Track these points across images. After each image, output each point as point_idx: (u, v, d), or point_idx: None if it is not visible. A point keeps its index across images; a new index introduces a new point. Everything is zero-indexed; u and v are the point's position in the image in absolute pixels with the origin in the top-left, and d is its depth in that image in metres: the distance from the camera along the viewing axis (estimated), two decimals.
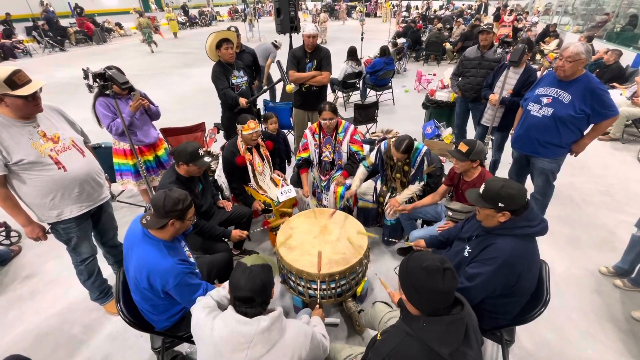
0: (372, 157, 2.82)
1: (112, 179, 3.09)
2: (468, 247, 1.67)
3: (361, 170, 2.85)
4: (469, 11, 17.40)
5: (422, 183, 2.63)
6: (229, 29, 3.94)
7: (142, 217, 1.61)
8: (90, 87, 2.22)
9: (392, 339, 1.15)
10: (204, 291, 1.67)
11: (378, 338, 1.27)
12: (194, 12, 21.16)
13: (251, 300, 1.20)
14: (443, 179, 2.59)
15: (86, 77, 2.15)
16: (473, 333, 1.11)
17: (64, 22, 14.66)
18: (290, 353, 1.21)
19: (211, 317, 1.26)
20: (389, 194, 2.78)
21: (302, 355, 1.24)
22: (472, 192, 1.64)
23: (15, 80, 1.62)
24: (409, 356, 1.08)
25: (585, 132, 2.55)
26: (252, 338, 1.16)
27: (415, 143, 2.58)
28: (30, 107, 1.73)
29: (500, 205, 1.48)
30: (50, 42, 13.04)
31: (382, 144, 2.76)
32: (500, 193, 1.48)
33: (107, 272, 2.47)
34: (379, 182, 2.88)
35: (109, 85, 2.22)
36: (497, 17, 13.42)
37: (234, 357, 1.16)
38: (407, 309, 1.17)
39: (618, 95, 5.01)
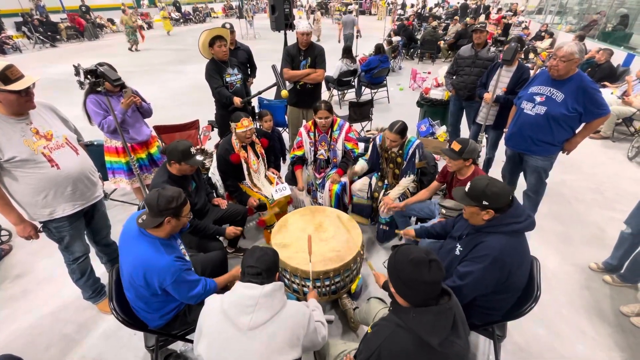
0: (368, 153, 2.84)
1: (104, 177, 3.05)
2: (459, 246, 1.69)
3: (360, 162, 2.92)
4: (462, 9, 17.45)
5: (413, 177, 2.66)
6: (223, 25, 3.90)
7: (138, 217, 1.61)
8: (81, 83, 2.18)
9: (383, 330, 1.18)
10: (202, 287, 1.67)
11: (369, 331, 1.29)
12: (187, 8, 20.92)
13: (258, 273, 1.31)
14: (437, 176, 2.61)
15: (77, 73, 2.12)
16: (460, 323, 1.15)
17: (54, 18, 14.41)
18: (290, 329, 1.28)
19: (221, 294, 1.39)
20: (383, 190, 2.80)
21: (300, 335, 1.31)
22: (459, 190, 1.67)
23: (8, 74, 1.60)
24: (400, 347, 1.10)
25: (577, 131, 2.58)
26: (256, 301, 1.25)
27: (409, 136, 2.63)
28: (22, 103, 1.70)
29: (485, 203, 1.52)
30: (41, 37, 12.82)
31: (378, 137, 2.80)
32: (484, 191, 1.52)
33: (100, 270, 2.44)
34: (374, 178, 2.90)
35: (101, 82, 2.19)
36: (487, 15, 13.63)
37: (240, 321, 1.24)
38: (397, 301, 1.21)
39: (609, 95, 5.08)
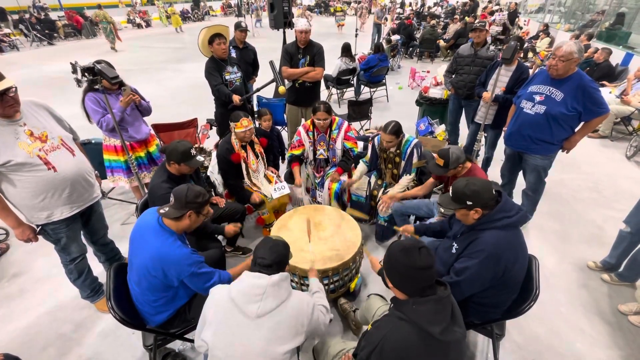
0: (368, 155, 2.84)
1: (102, 176, 3.03)
2: (455, 244, 1.71)
3: (361, 165, 2.91)
4: (462, 8, 17.45)
5: (412, 176, 2.66)
6: (239, 24, 3.97)
7: (158, 208, 1.65)
8: (78, 81, 2.16)
9: (384, 324, 1.20)
10: (218, 278, 1.70)
11: (369, 328, 1.30)
12: (186, 6, 20.83)
13: (269, 265, 1.35)
14: None
15: (74, 71, 2.10)
16: (457, 312, 1.19)
17: (52, 16, 14.34)
18: (295, 317, 1.33)
19: (228, 284, 1.41)
20: (382, 189, 2.79)
21: (304, 323, 1.36)
22: (444, 196, 1.70)
23: None
24: (402, 339, 1.13)
25: (576, 129, 2.58)
26: (264, 290, 1.29)
27: (407, 135, 2.62)
28: (1, 108, 1.63)
29: (469, 202, 1.54)
30: (39, 35, 12.75)
31: (376, 138, 2.79)
32: (464, 191, 1.55)
33: (98, 269, 2.43)
34: (372, 176, 2.90)
35: (99, 80, 2.17)
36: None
37: (248, 308, 1.28)
38: (396, 297, 1.24)
39: (607, 94, 5.08)
